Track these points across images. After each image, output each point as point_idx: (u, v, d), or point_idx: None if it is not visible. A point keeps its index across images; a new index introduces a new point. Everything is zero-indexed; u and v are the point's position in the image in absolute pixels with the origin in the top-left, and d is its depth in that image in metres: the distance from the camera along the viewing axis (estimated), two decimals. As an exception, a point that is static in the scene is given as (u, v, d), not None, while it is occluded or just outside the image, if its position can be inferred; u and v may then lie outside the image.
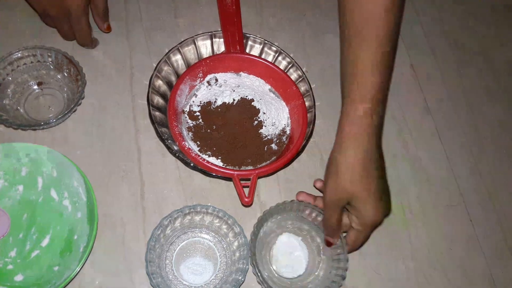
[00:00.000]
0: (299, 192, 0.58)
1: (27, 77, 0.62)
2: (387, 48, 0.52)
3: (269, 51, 0.68)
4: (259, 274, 0.52)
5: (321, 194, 0.58)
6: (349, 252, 0.55)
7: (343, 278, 0.53)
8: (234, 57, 0.66)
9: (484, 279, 0.61)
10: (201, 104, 0.65)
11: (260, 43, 0.68)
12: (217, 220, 0.56)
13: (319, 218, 0.56)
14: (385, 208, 0.52)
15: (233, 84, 0.67)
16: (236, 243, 0.55)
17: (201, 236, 0.58)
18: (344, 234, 0.56)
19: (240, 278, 0.52)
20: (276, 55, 0.68)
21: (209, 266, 0.56)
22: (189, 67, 0.65)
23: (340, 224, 0.54)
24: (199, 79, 0.66)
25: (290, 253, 0.58)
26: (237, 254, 0.55)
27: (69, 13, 0.60)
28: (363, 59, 0.52)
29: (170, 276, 0.55)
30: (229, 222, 0.55)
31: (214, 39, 0.67)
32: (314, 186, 0.60)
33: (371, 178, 0.51)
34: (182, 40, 0.66)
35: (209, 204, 0.55)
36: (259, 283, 0.54)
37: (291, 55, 0.68)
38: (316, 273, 0.57)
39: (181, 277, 0.55)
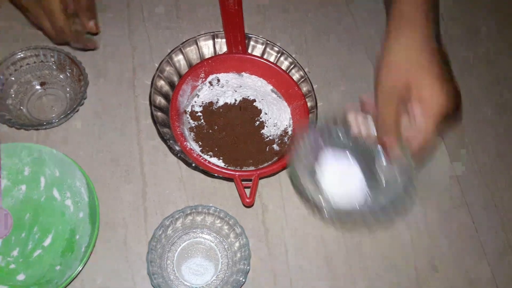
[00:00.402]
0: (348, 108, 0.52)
1: (30, 77, 0.63)
2: None
3: (271, 52, 0.68)
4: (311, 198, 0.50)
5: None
6: (418, 157, 0.48)
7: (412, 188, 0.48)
8: (236, 58, 0.66)
9: (486, 281, 0.61)
10: (203, 105, 0.65)
11: (262, 44, 0.68)
12: (219, 221, 0.56)
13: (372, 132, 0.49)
14: (453, 92, 0.45)
15: (235, 85, 0.67)
16: (237, 244, 0.55)
17: (202, 237, 0.58)
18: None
19: (241, 279, 0.52)
20: (278, 55, 0.68)
21: (210, 266, 0.57)
22: (191, 67, 0.65)
23: (397, 121, 0.46)
24: (201, 79, 0.66)
25: (341, 176, 0.52)
26: (238, 255, 0.55)
27: (41, 5, 0.54)
28: None
29: (171, 277, 0.55)
30: (230, 222, 0.55)
31: (216, 40, 0.67)
32: (362, 107, 0.52)
33: (430, 61, 0.45)
34: (184, 40, 0.66)
35: (210, 205, 0.55)
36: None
37: (293, 56, 0.68)
38: (380, 189, 0.51)
39: (182, 277, 0.56)
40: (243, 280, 0.52)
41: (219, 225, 0.57)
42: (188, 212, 0.55)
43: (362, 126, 0.50)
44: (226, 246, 0.57)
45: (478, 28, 0.80)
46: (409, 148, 0.46)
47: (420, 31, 0.46)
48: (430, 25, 0.47)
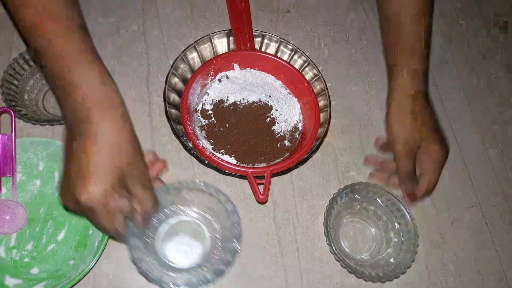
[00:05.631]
0: (368, 157, 0.65)
1: (45, 73, 0.63)
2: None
3: (285, 50, 0.68)
4: (337, 252, 0.55)
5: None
6: (426, 193, 0.61)
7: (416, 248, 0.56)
8: (245, 54, 0.66)
9: (498, 282, 0.60)
10: (213, 103, 0.65)
11: (276, 41, 0.68)
12: (209, 198, 0.54)
13: (389, 200, 0.59)
14: (447, 146, 0.62)
15: (245, 82, 0.67)
16: (228, 222, 0.53)
17: (190, 215, 0.56)
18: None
19: (230, 259, 0.50)
20: (292, 53, 0.67)
21: (197, 246, 0.56)
22: (200, 66, 0.65)
23: (415, 171, 0.61)
24: (210, 77, 0.66)
25: (356, 235, 0.61)
26: (228, 233, 0.53)
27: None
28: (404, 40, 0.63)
29: (158, 259, 0.54)
30: (221, 199, 0.53)
31: (230, 37, 0.67)
32: (376, 146, 0.66)
33: (431, 123, 0.62)
34: (199, 38, 0.66)
35: (198, 181, 0.53)
36: (337, 260, 0.55)
37: (307, 54, 0.67)
38: (387, 251, 0.58)
39: (167, 257, 0.55)
40: (232, 260, 0.50)
41: (210, 202, 0.54)
42: (178, 187, 0.53)
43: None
44: (215, 224, 0.55)
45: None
46: None
47: (420, 96, 0.62)
48: (425, 92, 0.63)
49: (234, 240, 0.51)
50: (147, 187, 0.48)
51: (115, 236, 0.49)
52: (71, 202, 0.44)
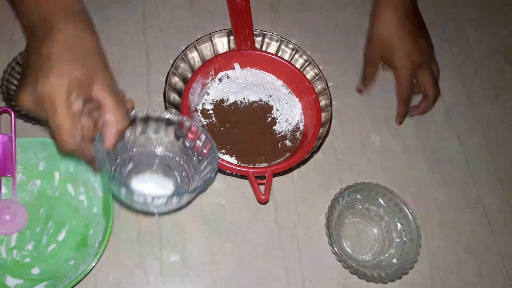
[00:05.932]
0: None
1: (46, 73, 0.63)
2: None
3: (286, 49, 0.68)
4: (338, 252, 0.54)
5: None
6: (401, 98, 0.66)
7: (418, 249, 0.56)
8: (245, 54, 0.66)
9: (500, 283, 0.60)
10: (213, 102, 0.65)
11: (276, 41, 0.67)
12: (178, 132, 0.51)
13: (391, 200, 0.58)
14: (422, 49, 0.64)
15: (245, 81, 0.67)
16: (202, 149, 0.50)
17: (157, 159, 0.54)
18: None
19: (209, 176, 0.48)
20: (293, 53, 0.67)
21: (167, 186, 0.54)
22: (201, 65, 0.65)
23: (374, 76, 0.68)
24: (210, 76, 0.66)
25: (358, 235, 0.60)
26: (202, 166, 0.50)
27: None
28: None
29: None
30: (194, 131, 0.50)
31: (230, 36, 0.67)
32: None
33: (405, 31, 0.63)
34: (199, 37, 0.66)
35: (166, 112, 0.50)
36: (339, 261, 0.55)
37: (308, 53, 0.67)
38: (389, 252, 0.58)
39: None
40: (211, 175, 0.48)
41: (178, 138, 0.52)
42: (143, 115, 0.48)
43: None
44: (185, 165, 0.53)
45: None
46: None
47: (397, 12, 0.63)
48: (409, 4, 0.64)
49: (211, 160, 0.48)
50: (118, 96, 0.43)
51: (75, 149, 0.42)
52: (30, 97, 0.40)
